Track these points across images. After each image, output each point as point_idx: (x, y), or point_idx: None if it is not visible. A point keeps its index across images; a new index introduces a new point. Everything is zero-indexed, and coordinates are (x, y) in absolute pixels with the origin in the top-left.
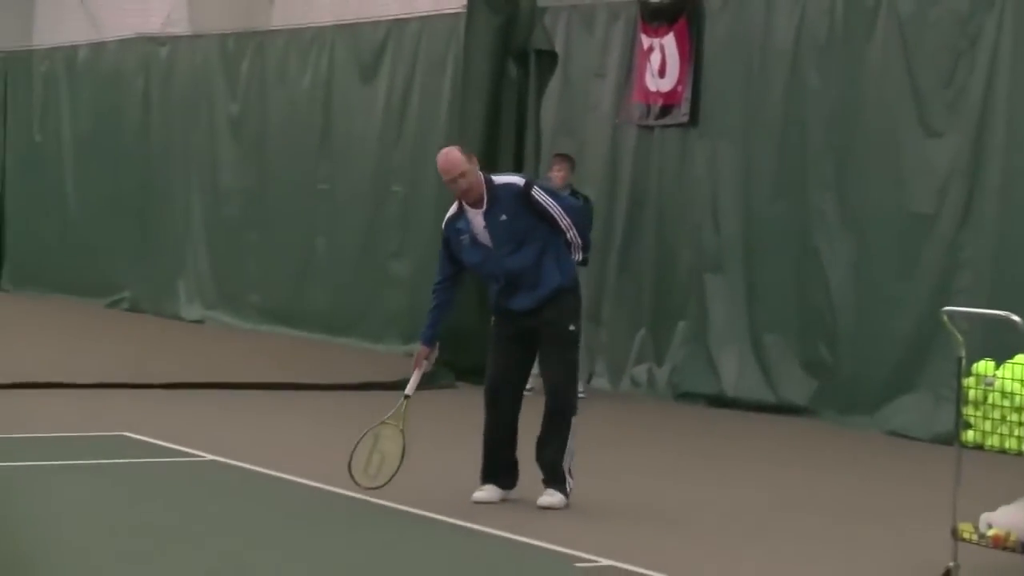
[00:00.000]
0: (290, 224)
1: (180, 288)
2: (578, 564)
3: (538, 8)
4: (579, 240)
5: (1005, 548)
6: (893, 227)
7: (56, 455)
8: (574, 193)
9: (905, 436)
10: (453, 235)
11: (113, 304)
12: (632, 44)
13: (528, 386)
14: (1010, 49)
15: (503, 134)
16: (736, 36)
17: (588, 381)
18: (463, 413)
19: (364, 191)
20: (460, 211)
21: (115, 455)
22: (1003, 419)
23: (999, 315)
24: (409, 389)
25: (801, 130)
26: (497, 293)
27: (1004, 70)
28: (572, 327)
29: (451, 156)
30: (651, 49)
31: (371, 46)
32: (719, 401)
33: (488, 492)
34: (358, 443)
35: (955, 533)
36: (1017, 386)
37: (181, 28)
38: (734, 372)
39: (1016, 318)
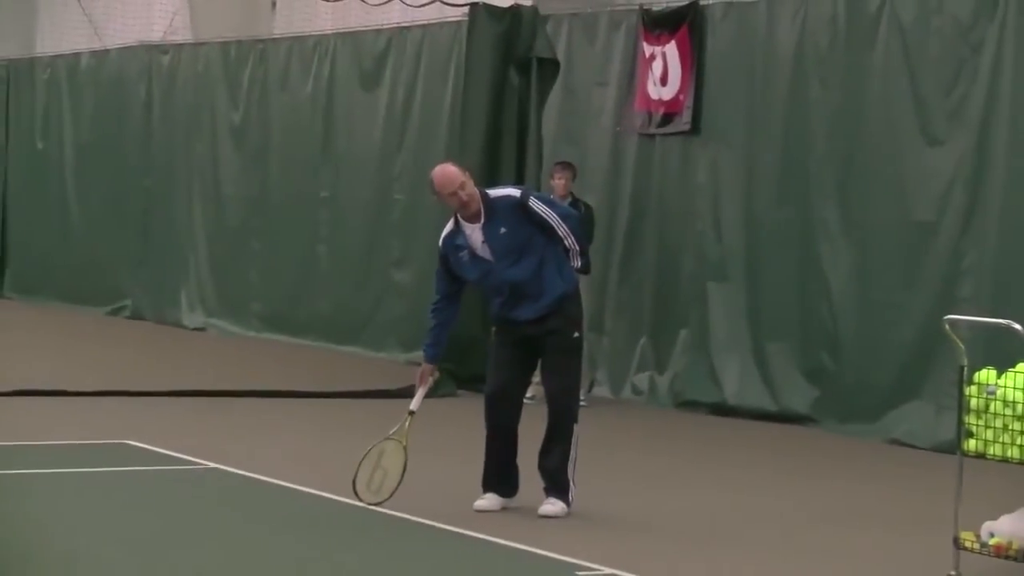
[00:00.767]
0: (292, 232)
1: (182, 296)
2: (579, 573)
3: (540, 16)
4: (577, 247)
5: (1007, 557)
6: (895, 235)
7: (58, 463)
8: (575, 202)
9: (907, 445)
10: (451, 252)
11: (115, 312)
12: (634, 52)
13: (529, 395)
14: (1012, 57)
15: (505, 142)
16: (738, 44)
17: (590, 389)
18: (465, 421)
19: (366, 199)
20: (457, 227)
21: (117, 463)
22: (1005, 428)
23: (1001, 324)
24: (414, 405)
25: (803, 139)
26: (499, 306)
27: (1006, 78)
28: (576, 335)
29: (447, 170)
30: (653, 57)
31: (373, 54)
32: (721, 409)
33: (489, 501)
34: (363, 459)
35: (957, 542)
36: (1019, 395)
37: (183, 36)
38: (736, 380)
39: (1018, 327)
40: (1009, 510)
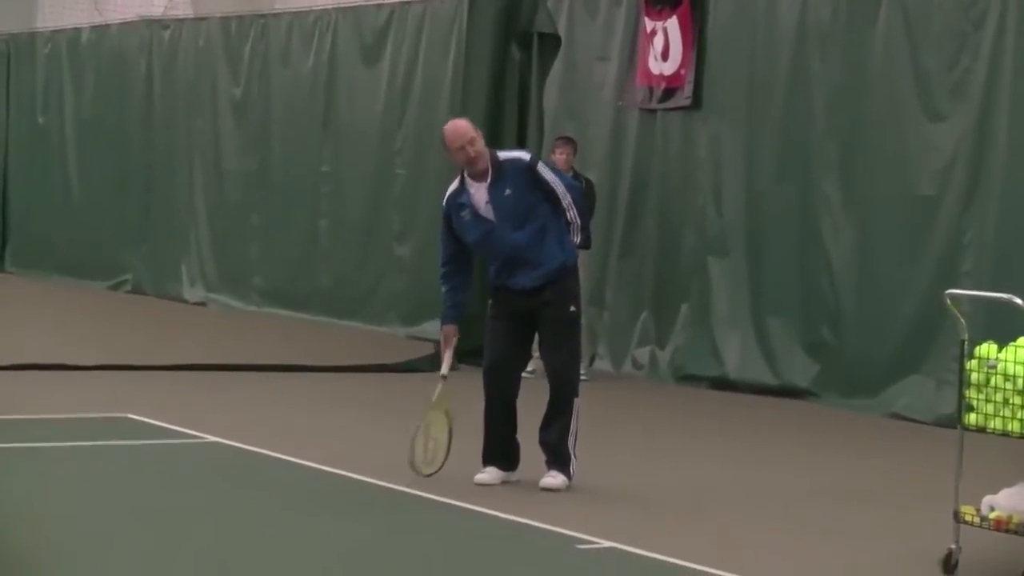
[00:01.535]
0: (293, 206)
1: (183, 270)
2: (579, 546)
3: None
4: (579, 221)
5: (1007, 531)
6: (896, 210)
7: (58, 437)
8: (576, 176)
9: (907, 419)
10: (454, 210)
11: (116, 286)
12: (635, 27)
13: (530, 369)
14: (1014, 32)
15: (506, 117)
16: (739, 19)
17: (590, 364)
18: (464, 395)
19: (367, 173)
20: (462, 186)
21: (118, 436)
22: (1005, 402)
23: (1002, 297)
24: (444, 370)
25: (804, 113)
26: (496, 272)
27: (1008, 53)
28: (573, 308)
29: (458, 125)
30: (654, 32)
31: (374, 28)
32: (721, 384)
33: (489, 474)
34: (414, 438)
35: (957, 515)
36: (1020, 369)
37: (184, 11)
38: (736, 355)
39: (1019, 300)
40: (1009, 484)
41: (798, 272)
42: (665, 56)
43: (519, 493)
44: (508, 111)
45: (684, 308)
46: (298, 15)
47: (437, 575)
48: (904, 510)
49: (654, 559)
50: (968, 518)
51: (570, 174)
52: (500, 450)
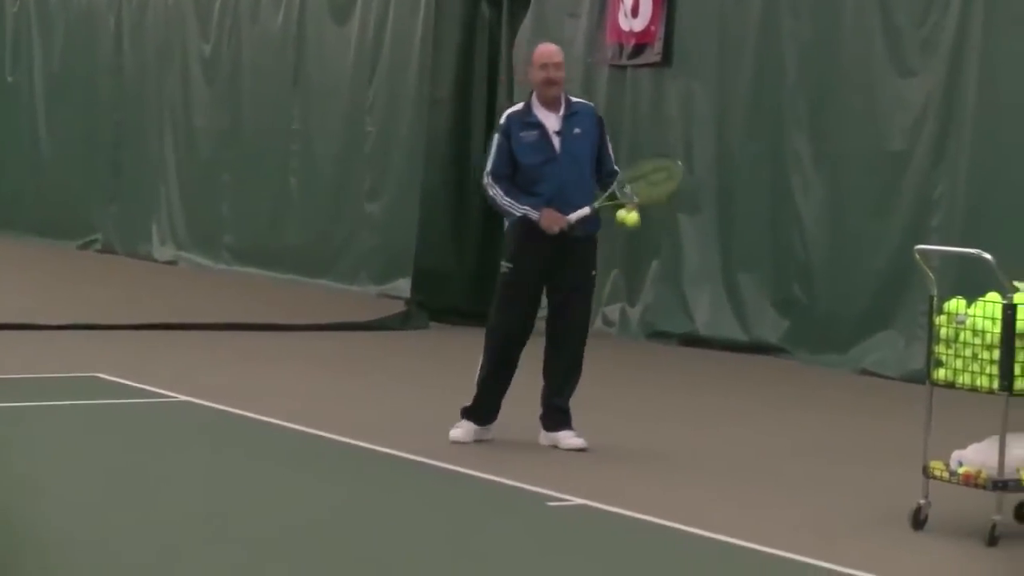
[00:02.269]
0: (263, 164)
1: (153, 229)
2: (550, 503)
3: None
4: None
5: (976, 486)
6: (867, 166)
7: (28, 396)
8: None
9: (877, 375)
10: (516, 128)
11: (85, 245)
12: None
13: None
14: None
15: (476, 75)
16: None
17: None
18: (436, 354)
19: (337, 131)
20: (528, 108)
21: (88, 396)
22: (974, 357)
23: (971, 253)
24: (573, 217)
25: (775, 70)
26: (535, 209)
27: (978, 9)
28: (594, 272)
29: (550, 46)
30: None
31: None
32: (692, 340)
33: (464, 430)
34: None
35: (926, 471)
36: (988, 324)
37: None
38: (707, 311)
39: (988, 256)
40: (978, 439)
41: (768, 228)
42: (635, 12)
43: (491, 451)
44: (478, 68)
45: (654, 265)
46: None
47: (408, 533)
48: (873, 466)
49: (625, 516)
50: (937, 473)
51: None
52: (487, 410)
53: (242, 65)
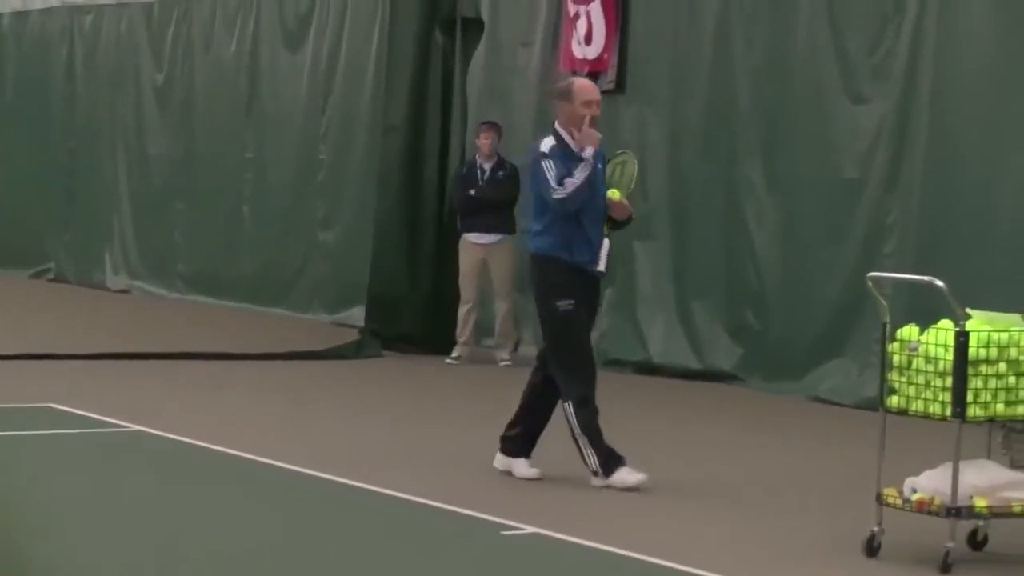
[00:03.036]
0: (216, 193)
1: (106, 258)
2: (504, 532)
3: None
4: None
5: (929, 513)
6: (820, 193)
7: None
8: (502, 162)
9: (831, 402)
10: (562, 158)
11: (38, 275)
12: (558, 11)
13: (454, 355)
14: (935, 14)
15: (430, 102)
16: (662, 2)
17: (515, 349)
18: (390, 383)
19: (291, 159)
20: (563, 142)
21: (40, 426)
22: (927, 384)
23: (923, 280)
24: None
25: (728, 97)
26: (582, 246)
27: (929, 35)
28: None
29: (590, 82)
30: (577, 16)
31: (297, 13)
32: (646, 368)
33: (633, 476)
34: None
35: (880, 498)
36: (941, 351)
37: None
38: (661, 339)
39: (940, 283)
40: (931, 466)
41: (722, 255)
42: (588, 40)
43: (445, 480)
44: (432, 96)
45: (608, 292)
46: (221, 0)
47: (361, 563)
48: (827, 493)
49: (578, 544)
50: (891, 500)
51: (494, 159)
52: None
53: (195, 93)
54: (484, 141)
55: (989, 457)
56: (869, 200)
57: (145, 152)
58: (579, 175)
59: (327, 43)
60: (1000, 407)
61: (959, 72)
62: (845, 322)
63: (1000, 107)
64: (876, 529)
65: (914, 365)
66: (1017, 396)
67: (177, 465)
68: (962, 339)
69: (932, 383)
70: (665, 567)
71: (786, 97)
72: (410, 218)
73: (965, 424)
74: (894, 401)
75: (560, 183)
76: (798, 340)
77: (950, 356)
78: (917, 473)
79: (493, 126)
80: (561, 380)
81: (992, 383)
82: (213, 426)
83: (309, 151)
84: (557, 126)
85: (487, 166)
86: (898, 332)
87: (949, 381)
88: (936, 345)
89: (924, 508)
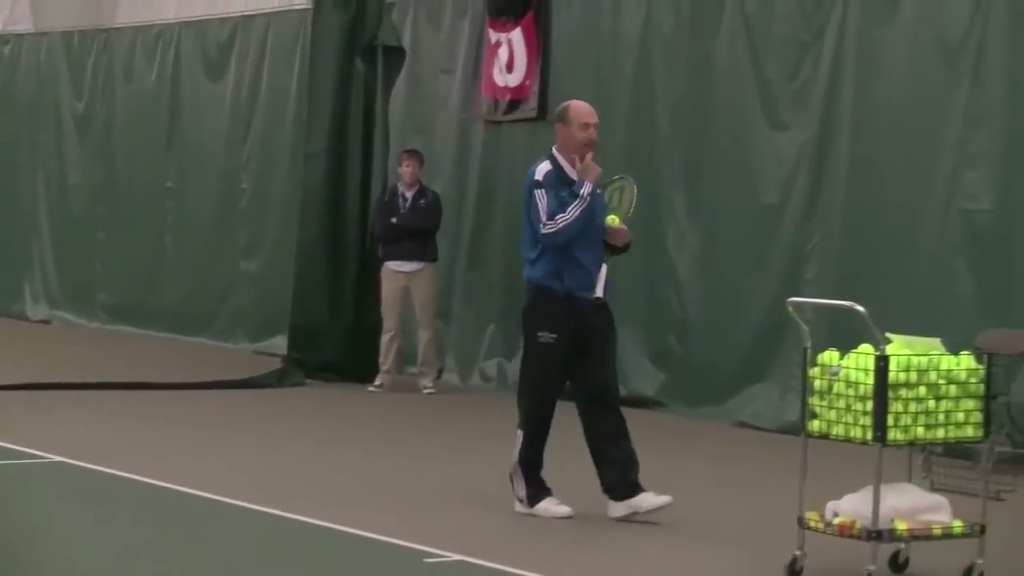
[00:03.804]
0: (138, 222)
1: (26, 288)
2: (427, 560)
3: (385, 4)
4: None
5: (851, 536)
6: (741, 219)
7: None
8: (423, 189)
9: (753, 427)
10: (555, 187)
11: None
12: (479, 39)
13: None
14: (854, 41)
15: (351, 130)
16: (583, 30)
17: (438, 376)
18: (314, 411)
19: (212, 188)
20: (560, 168)
21: None
22: (848, 408)
23: (844, 305)
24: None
25: (649, 123)
26: (578, 270)
27: (848, 62)
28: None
29: (588, 105)
30: (499, 44)
31: (218, 42)
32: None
33: (558, 507)
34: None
35: (801, 522)
36: (861, 375)
37: (24, 26)
38: None
39: (860, 308)
40: (852, 489)
41: (644, 281)
42: (510, 68)
43: (366, 507)
44: (353, 124)
45: None
46: (141, 29)
47: None
48: (749, 517)
49: (502, 571)
50: (812, 524)
51: (416, 187)
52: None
53: (116, 122)
54: (406, 169)
55: (910, 480)
56: (790, 226)
57: (65, 181)
58: (572, 212)
59: (248, 71)
60: (920, 430)
61: (878, 98)
62: (767, 347)
63: (919, 133)
64: (798, 553)
65: (835, 389)
66: (937, 419)
67: (97, 496)
68: (882, 363)
69: (853, 407)
70: None
71: (707, 124)
72: (332, 246)
73: (886, 448)
74: (815, 425)
75: (552, 217)
76: (721, 365)
77: (870, 380)
78: (838, 497)
79: (415, 154)
80: (521, 408)
81: (912, 407)
82: (134, 456)
83: (231, 180)
84: (554, 151)
85: (409, 194)
86: (819, 357)
87: (870, 405)
88: (857, 369)
89: (846, 532)
